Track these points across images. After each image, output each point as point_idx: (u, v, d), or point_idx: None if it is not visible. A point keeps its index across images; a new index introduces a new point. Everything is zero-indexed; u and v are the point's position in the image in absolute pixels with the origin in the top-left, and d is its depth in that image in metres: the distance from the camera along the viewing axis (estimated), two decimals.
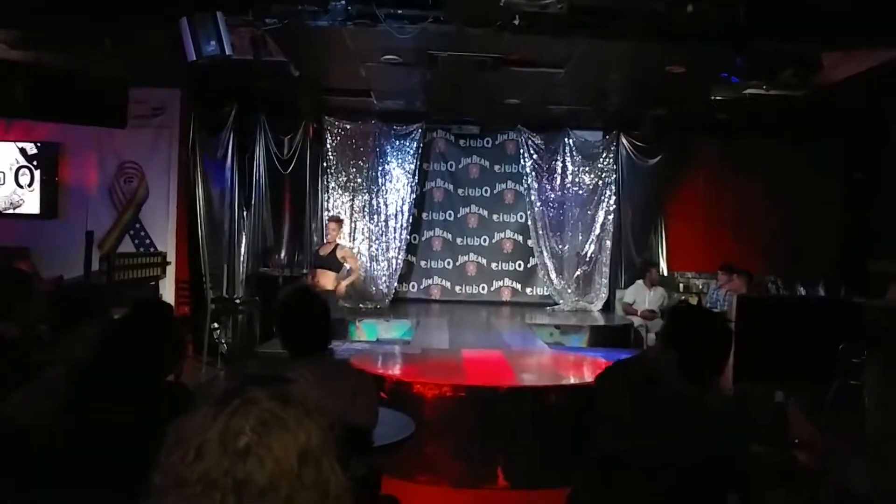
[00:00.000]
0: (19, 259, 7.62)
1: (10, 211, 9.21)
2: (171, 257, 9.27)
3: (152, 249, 9.23)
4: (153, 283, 8.83)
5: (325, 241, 10.04)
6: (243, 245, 10.32)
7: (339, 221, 10.09)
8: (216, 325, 9.01)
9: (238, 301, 9.68)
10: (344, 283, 9.49)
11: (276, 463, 1.16)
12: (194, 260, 9.16)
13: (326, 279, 9.20)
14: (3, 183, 9.23)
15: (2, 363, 3.13)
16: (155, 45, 6.68)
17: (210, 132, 9.50)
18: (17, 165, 9.23)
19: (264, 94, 9.96)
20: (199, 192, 9.20)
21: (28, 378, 3.10)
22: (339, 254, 9.41)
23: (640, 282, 10.74)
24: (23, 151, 9.23)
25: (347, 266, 9.55)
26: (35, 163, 9.23)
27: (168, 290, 9.09)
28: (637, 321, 10.32)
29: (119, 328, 2.84)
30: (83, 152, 9.26)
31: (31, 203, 9.23)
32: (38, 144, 9.18)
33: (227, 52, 5.95)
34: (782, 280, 9.99)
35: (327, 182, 11.65)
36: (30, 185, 9.23)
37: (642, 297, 10.57)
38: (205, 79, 8.32)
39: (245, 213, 10.34)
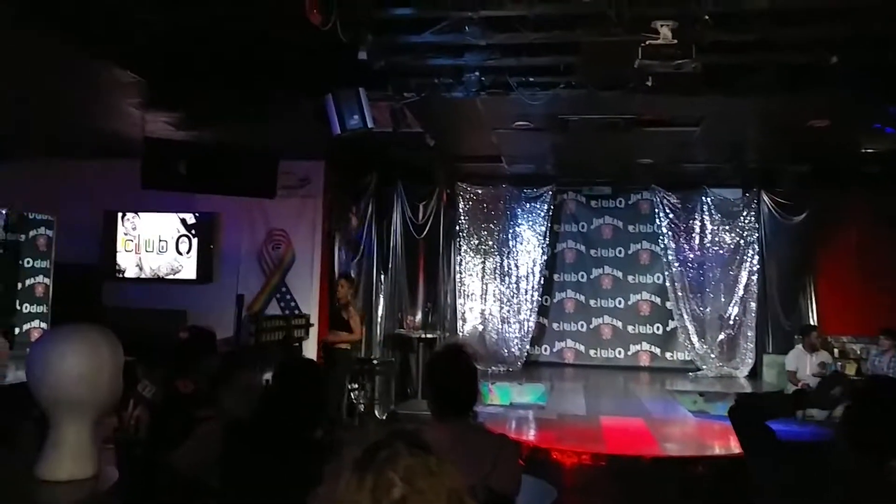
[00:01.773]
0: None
1: (171, 276, 9.93)
2: (314, 319, 9.65)
3: (297, 312, 9.65)
4: (297, 343, 9.20)
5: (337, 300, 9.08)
6: (381, 307, 10.62)
7: (349, 279, 9.30)
8: (355, 384, 9.25)
9: (376, 361, 9.92)
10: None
11: None
12: None
13: (339, 339, 8.65)
14: (166, 251, 9.97)
15: (177, 416, 3.36)
16: (301, 120, 7.12)
17: (351, 200, 9.94)
18: (177, 234, 9.97)
19: (401, 163, 10.35)
20: (341, 256, 9.61)
21: (191, 430, 3.33)
22: (345, 314, 8.76)
23: (799, 347, 10.04)
24: (183, 221, 9.97)
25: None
26: (193, 231, 9.93)
27: (311, 351, 9.44)
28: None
29: (272, 387, 3.01)
30: (236, 221, 9.90)
31: (188, 269, 9.91)
32: (197, 215, 9.89)
33: (369, 126, 6.27)
34: None
35: (459, 245, 11.85)
36: (188, 252, 9.92)
37: (804, 363, 9.89)
38: (347, 150, 8.75)
39: (382, 277, 10.67)
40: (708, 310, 11.51)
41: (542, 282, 11.76)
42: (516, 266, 11.79)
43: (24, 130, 8.23)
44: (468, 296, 11.76)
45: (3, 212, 9.06)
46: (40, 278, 9.45)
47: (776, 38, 5.78)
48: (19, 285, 9.17)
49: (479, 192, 11.80)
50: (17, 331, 8.81)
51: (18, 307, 9.13)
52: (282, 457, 2.72)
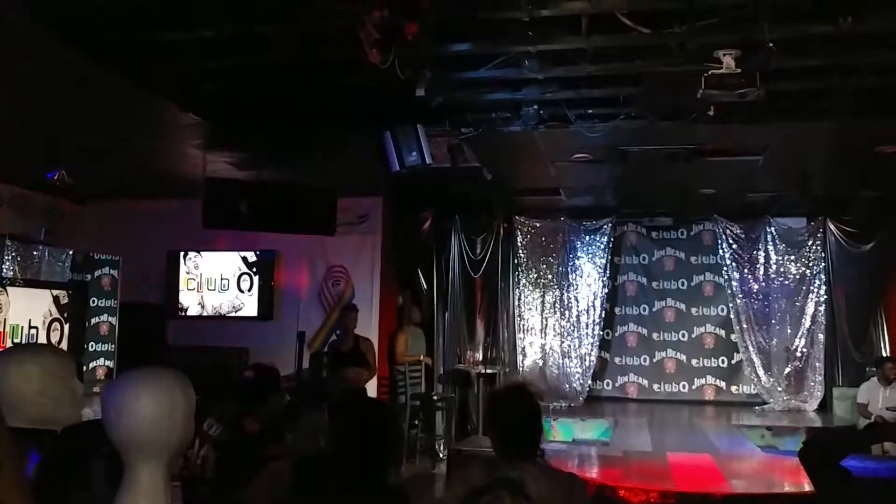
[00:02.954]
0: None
1: (233, 314, 10.08)
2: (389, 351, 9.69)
3: None
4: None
5: (343, 334, 8.52)
6: (440, 343, 10.58)
7: (356, 311, 8.74)
8: (416, 421, 9.20)
9: (436, 398, 9.86)
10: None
11: None
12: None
13: (358, 377, 7.95)
14: (228, 289, 10.15)
15: (244, 455, 3.36)
16: (359, 156, 7.19)
17: (409, 236, 9.99)
18: (239, 272, 10.15)
19: (458, 198, 10.37)
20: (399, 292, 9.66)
21: (258, 469, 3.33)
22: (362, 347, 8.27)
23: (873, 379, 9.64)
24: (244, 260, 10.15)
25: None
26: (254, 269, 10.10)
27: (371, 387, 9.44)
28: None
29: (343, 427, 2.97)
30: (296, 258, 10.03)
31: (250, 306, 10.06)
32: (258, 253, 10.06)
33: (428, 162, 6.30)
34: None
35: (518, 279, 11.76)
36: (249, 289, 10.09)
37: (876, 396, 9.47)
38: (404, 186, 8.81)
39: (441, 311, 10.65)
40: (774, 342, 11.18)
41: (603, 315, 11.58)
42: (576, 299, 11.64)
43: (90, 173, 8.50)
44: (528, 330, 11.64)
45: (70, 252, 9.34)
46: (105, 317, 9.68)
47: (843, 63, 5.65)
48: (86, 324, 9.40)
49: (538, 224, 11.72)
50: (84, 368, 9.01)
51: (85, 346, 9.36)
52: (353, 498, 2.67)
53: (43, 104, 6.37)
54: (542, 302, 11.74)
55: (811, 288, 11.10)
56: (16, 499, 1.34)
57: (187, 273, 10.31)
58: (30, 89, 6.00)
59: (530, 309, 11.61)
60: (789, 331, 11.11)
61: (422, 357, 9.56)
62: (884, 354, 10.41)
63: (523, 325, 11.63)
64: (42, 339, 8.13)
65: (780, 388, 11.03)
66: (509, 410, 2.92)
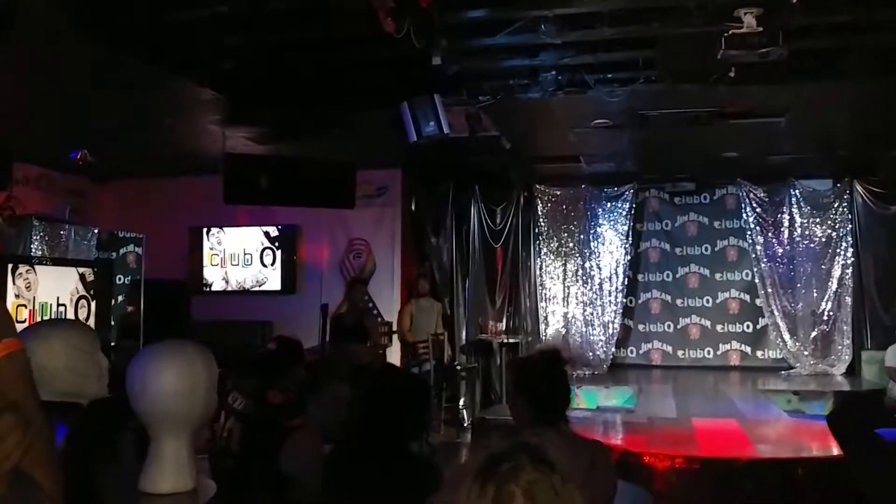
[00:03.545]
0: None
1: (256, 288, 10.17)
2: (396, 326, 9.72)
3: (380, 319, 9.73)
4: (381, 351, 9.28)
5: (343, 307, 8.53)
6: (462, 313, 10.60)
7: (365, 283, 8.89)
8: (438, 392, 9.26)
9: (459, 367, 9.91)
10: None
11: None
12: None
13: (362, 353, 7.65)
14: (251, 264, 10.22)
15: (269, 427, 3.41)
16: (377, 129, 7.17)
17: (428, 207, 9.98)
18: (261, 247, 10.22)
19: (477, 168, 10.32)
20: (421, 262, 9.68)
21: (282, 441, 3.37)
22: (366, 322, 8.34)
23: None
24: (266, 234, 10.21)
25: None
26: (277, 244, 10.16)
27: (394, 358, 9.51)
28: None
29: (369, 396, 3.00)
30: (317, 232, 10.08)
31: (273, 280, 10.14)
32: (280, 227, 10.11)
33: (445, 132, 6.27)
34: None
35: (539, 248, 11.71)
36: (272, 264, 10.16)
37: None
38: (423, 157, 8.78)
39: (462, 282, 10.67)
40: (800, 306, 11.06)
41: (625, 282, 11.51)
42: (598, 267, 11.57)
43: (112, 153, 8.56)
44: (550, 299, 11.60)
45: (95, 231, 9.44)
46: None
47: (867, 20, 5.51)
48: (112, 301, 9.52)
49: (558, 193, 11.64)
50: (111, 344, 9.14)
51: (112, 322, 9.48)
52: (383, 468, 2.70)
53: (63, 86, 6.41)
54: (564, 270, 11.68)
55: (838, 250, 10.95)
56: (47, 473, 1.37)
57: (210, 249, 10.40)
58: (50, 72, 6.03)
59: (552, 278, 11.57)
60: (815, 294, 10.98)
61: (430, 335, 9.45)
62: None
63: (545, 294, 11.59)
64: (70, 317, 8.25)
65: (806, 353, 10.94)
66: (540, 376, 2.92)
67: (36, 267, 8.07)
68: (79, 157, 8.17)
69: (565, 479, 1.26)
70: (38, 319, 7.72)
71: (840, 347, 10.87)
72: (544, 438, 1.34)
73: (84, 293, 8.57)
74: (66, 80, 6.25)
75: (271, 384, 3.86)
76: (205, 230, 10.35)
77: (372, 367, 6.13)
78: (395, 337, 9.60)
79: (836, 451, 6.56)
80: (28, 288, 7.86)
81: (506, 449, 1.28)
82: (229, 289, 10.28)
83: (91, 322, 8.21)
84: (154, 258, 9.83)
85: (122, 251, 9.78)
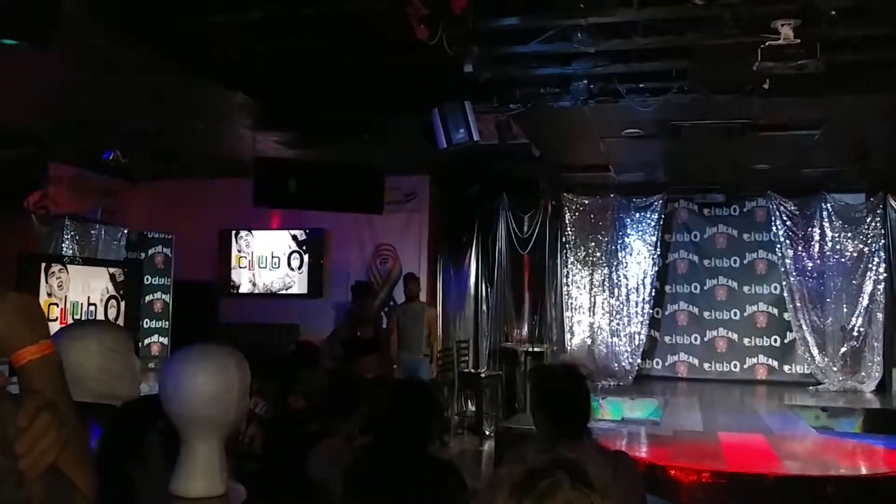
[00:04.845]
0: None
1: (283, 291, 10.22)
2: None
3: None
4: (393, 364, 9.28)
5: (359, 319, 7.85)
6: (486, 320, 10.58)
7: (374, 297, 8.48)
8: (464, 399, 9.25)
9: (483, 375, 9.88)
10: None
11: None
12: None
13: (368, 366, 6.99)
14: (279, 267, 10.28)
15: (290, 433, 3.42)
16: (407, 135, 7.19)
17: (456, 214, 9.97)
18: (289, 251, 10.27)
19: (506, 175, 10.31)
20: (445, 270, 9.65)
21: (306, 443, 3.38)
22: (369, 335, 7.85)
23: None
24: (294, 238, 10.27)
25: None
26: (304, 248, 10.21)
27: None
28: None
29: (389, 404, 3.01)
30: (345, 237, 10.12)
31: (300, 284, 10.19)
32: (307, 231, 10.16)
33: (475, 139, 6.26)
34: None
35: (566, 257, 11.65)
36: (300, 267, 10.21)
37: None
38: (451, 164, 8.78)
39: (488, 290, 10.65)
40: (829, 321, 10.89)
41: (653, 293, 11.41)
42: (626, 277, 11.48)
43: (144, 154, 8.66)
44: (576, 308, 11.53)
45: (125, 231, 9.55)
46: (159, 295, 9.91)
47: None
48: (141, 301, 9.63)
49: (586, 202, 11.57)
50: (139, 345, 9.25)
51: (140, 322, 9.59)
52: (405, 474, 2.71)
53: (98, 88, 6.49)
54: (591, 280, 11.61)
55: (869, 266, 10.78)
56: (82, 473, 1.38)
57: (239, 251, 10.47)
58: (88, 73, 6.11)
59: (578, 287, 11.50)
60: (845, 309, 10.82)
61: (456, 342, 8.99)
62: None
63: (571, 304, 11.53)
64: (100, 316, 8.35)
65: (835, 369, 10.78)
66: (559, 391, 2.91)
67: (68, 266, 8.19)
68: (111, 157, 8.27)
69: (603, 496, 1.24)
70: (69, 318, 7.83)
71: (871, 364, 10.69)
72: (581, 454, 1.32)
73: (114, 293, 8.68)
74: (103, 82, 6.33)
75: (292, 388, 3.88)
76: (233, 233, 10.43)
77: (384, 379, 6.11)
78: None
79: (866, 470, 6.49)
80: (60, 287, 7.98)
81: (544, 464, 1.26)
82: (256, 291, 10.34)
83: (121, 322, 8.32)
84: (183, 259, 9.94)
85: (150, 252, 9.89)
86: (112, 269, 8.85)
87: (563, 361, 3.64)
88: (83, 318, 7.87)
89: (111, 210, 9.95)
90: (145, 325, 9.71)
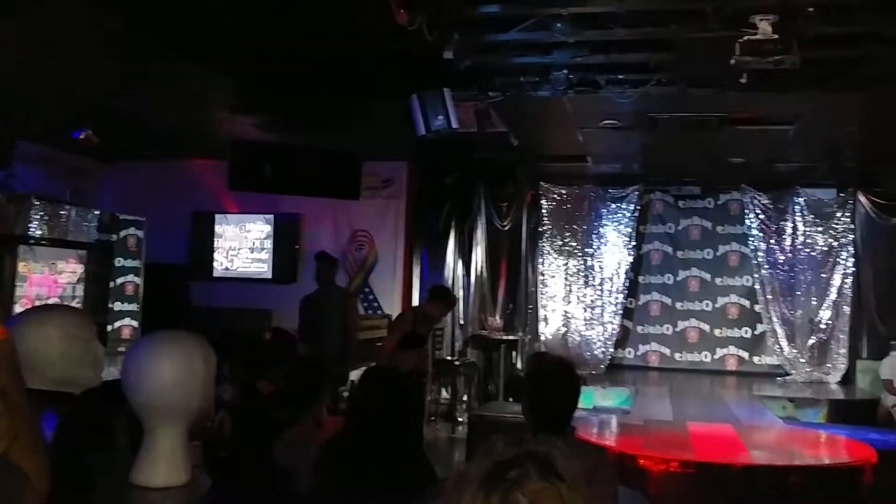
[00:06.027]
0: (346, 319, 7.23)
1: (257, 276, 10.14)
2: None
3: (380, 312, 9.71)
4: (380, 343, 9.23)
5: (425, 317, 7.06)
6: (462, 308, 10.58)
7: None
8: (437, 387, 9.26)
9: (457, 362, 9.90)
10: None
11: None
12: None
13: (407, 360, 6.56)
14: (253, 251, 10.20)
15: (258, 417, 3.39)
16: (385, 121, 7.13)
17: (434, 201, 9.94)
18: (263, 235, 10.18)
19: (484, 164, 10.29)
20: (422, 258, 9.63)
21: (274, 430, 3.36)
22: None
23: (894, 354, 9.54)
24: (269, 222, 10.18)
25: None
26: (279, 232, 10.13)
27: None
28: (893, 401, 9.12)
29: (356, 397, 3.00)
30: (320, 222, 10.04)
31: (274, 269, 10.11)
32: (283, 216, 10.08)
33: (454, 126, 6.23)
34: None
35: (542, 246, 11.68)
36: (274, 252, 10.12)
37: None
38: (430, 151, 8.74)
39: (465, 278, 10.65)
40: (798, 313, 11.05)
41: (627, 284, 11.50)
42: (601, 267, 11.55)
43: (119, 134, 8.51)
44: (551, 297, 11.59)
45: (96, 212, 9.40)
46: (131, 277, 9.79)
47: (881, 30, 5.47)
48: (111, 284, 9.50)
49: (563, 192, 11.60)
50: (108, 328, 9.13)
51: (111, 305, 9.47)
52: (370, 466, 2.69)
53: (70, 65, 6.35)
54: (566, 269, 11.66)
55: (838, 260, 10.94)
56: (33, 464, 1.34)
57: (212, 235, 10.37)
58: (57, 50, 5.98)
59: (553, 276, 11.55)
60: (814, 302, 10.98)
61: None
62: None
63: (546, 293, 11.58)
64: (69, 300, 8.23)
65: (802, 360, 10.94)
66: (552, 386, 2.91)
67: (34, 247, 8.04)
68: (82, 136, 8.12)
69: (573, 488, 1.23)
70: (35, 301, 7.69)
71: (836, 356, 10.88)
72: (551, 446, 1.31)
73: (83, 276, 8.55)
74: (77, 57, 6.19)
75: (262, 374, 3.85)
76: (208, 216, 10.32)
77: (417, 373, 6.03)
78: None
79: (829, 460, 6.59)
80: (26, 268, 7.83)
81: (513, 456, 1.25)
82: (230, 275, 10.25)
83: (88, 305, 8.19)
84: (156, 242, 9.81)
85: (122, 234, 9.75)
86: (81, 251, 8.71)
87: (559, 357, 3.66)
88: (50, 301, 7.74)
89: (81, 190, 9.77)
90: (116, 308, 9.60)
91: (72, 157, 9.58)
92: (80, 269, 8.57)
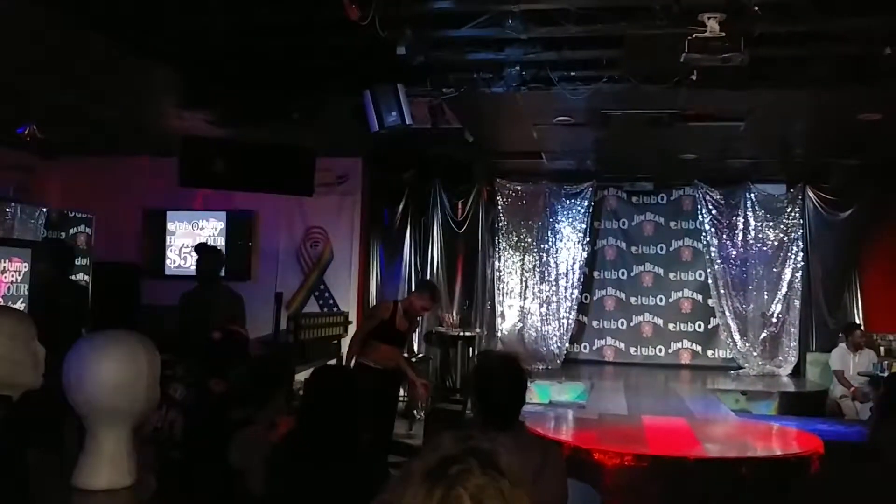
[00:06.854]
0: (233, 321, 7.25)
1: None
2: (353, 317, 9.63)
3: (335, 309, 9.64)
4: (336, 341, 9.19)
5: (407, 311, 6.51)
6: None
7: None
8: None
9: (414, 360, 9.86)
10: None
11: None
12: None
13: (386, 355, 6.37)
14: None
15: (210, 417, 3.34)
16: (339, 117, 7.08)
17: (388, 197, 9.90)
18: (215, 232, 10.02)
19: (439, 160, 10.28)
20: (379, 254, 9.59)
21: (227, 430, 3.31)
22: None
23: (842, 345, 9.73)
24: (222, 219, 10.02)
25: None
26: (232, 229, 9.98)
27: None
28: (841, 391, 9.35)
29: (307, 395, 2.96)
30: (274, 219, 9.93)
31: (227, 266, 9.94)
32: (235, 212, 9.94)
33: (408, 122, 6.21)
34: None
35: (498, 242, 11.73)
36: (226, 249, 9.96)
37: (847, 362, 9.59)
38: (384, 147, 8.70)
39: (421, 274, 10.63)
40: (750, 307, 11.26)
41: (581, 279, 11.60)
42: (556, 263, 11.63)
43: (65, 129, 8.31)
44: (507, 293, 11.65)
45: (44, 210, 9.15)
46: (80, 276, 9.54)
47: (827, 30, 5.60)
48: None
49: (519, 188, 11.66)
50: None
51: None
52: (323, 465, 2.66)
53: (13, 58, 6.18)
54: (522, 265, 11.72)
55: (789, 254, 11.17)
56: None
57: (164, 232, 10.18)
58: (3, 41, 5.80)
59: (510, 272, 11.60)
60: (766, 296, 11.19)
61: None
62: (855, 321, 10.53)
63: (503, 288, 11.63)
64: (13, 301, 8.00)
65: (755, 353, 11.15)
66: (497, 382, 2.91)
67: None
68: (26, 132, 7.90)
69: (514, 484, 1.24)
70: None
71: (787, 349, 11.11)
72: (496, 442, 1.32)
73: (27, 274, 8.31)
74: (19, 52, 6.02)
75: (213, 374, 3.79)
76: (158, 212, 10.13)
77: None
78: (350, 328, 9.51)
79: (779, 451, 6.72)
80: None
81: (457, 452, 1.26)
82: (183, 273, 10.07)
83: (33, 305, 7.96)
84: (105, 240, 9.59)
85: (72, 231, 9.51)
86: (25, 250, 8.47)
87: (507, 352, 3.63)
88: None
89: (26, 187, 9.51)
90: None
91: (15, 154, 9.32)
92: (24, 267, 8.34)
